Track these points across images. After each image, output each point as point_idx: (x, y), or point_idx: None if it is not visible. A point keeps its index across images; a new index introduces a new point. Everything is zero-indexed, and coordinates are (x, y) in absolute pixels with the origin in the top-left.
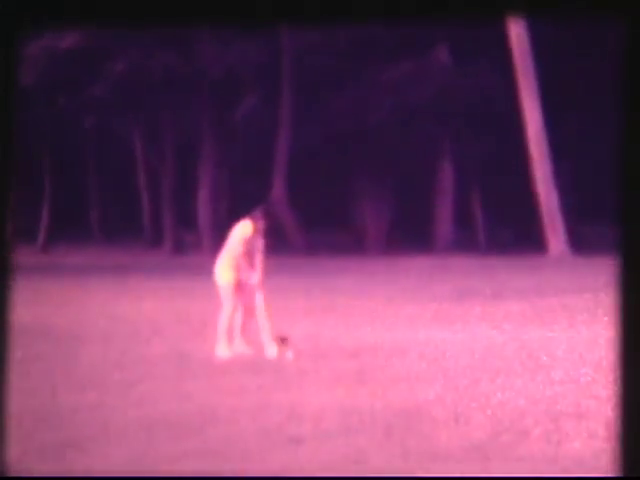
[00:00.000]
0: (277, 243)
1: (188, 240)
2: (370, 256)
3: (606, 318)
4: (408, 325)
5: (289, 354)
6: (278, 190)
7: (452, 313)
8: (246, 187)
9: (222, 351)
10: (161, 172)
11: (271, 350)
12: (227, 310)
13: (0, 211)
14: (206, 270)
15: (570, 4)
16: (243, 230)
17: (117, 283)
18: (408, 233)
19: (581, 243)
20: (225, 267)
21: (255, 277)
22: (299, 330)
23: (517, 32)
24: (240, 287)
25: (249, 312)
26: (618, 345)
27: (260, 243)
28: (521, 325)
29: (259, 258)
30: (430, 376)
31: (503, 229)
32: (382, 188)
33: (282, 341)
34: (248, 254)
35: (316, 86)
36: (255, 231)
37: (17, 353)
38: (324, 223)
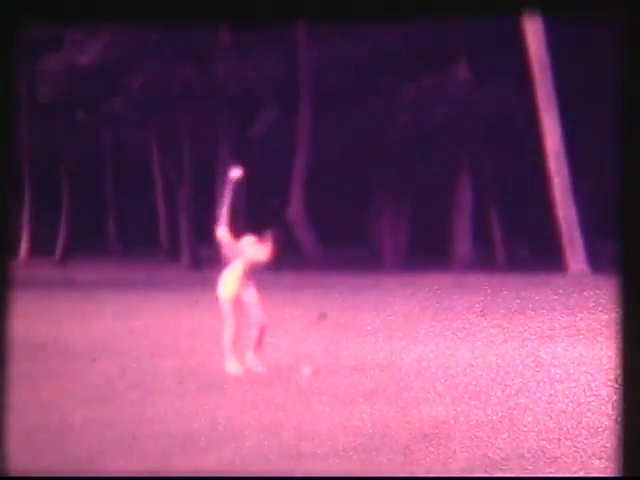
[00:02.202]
0: (294, 258)
1: (205, 255)
2: (387, 272)
3: None
4: (426, 342)
5: (306, 370)
6: (296, 206)
7: (471, 331)
8: (264, 202)
9: (232, 367)
10: (178, 186)
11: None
12: (229, 325)
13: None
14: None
15: (573, 4)
16: (252, 249)
17: (133, 298)
18: (426, 249)
19: (601, 261)
20: (226, 281)
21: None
22: (315, 346)
23: (536, 45)
24: (240, 301)
25: (262, 327)
26: (619, 346)
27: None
28: (541, 344)
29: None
30: (449, 395)
31: (521, 246)
32: (400, 204)
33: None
34: (251, 271)
35: (334, 101)
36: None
37: (31, 368)
38: (341, 239)
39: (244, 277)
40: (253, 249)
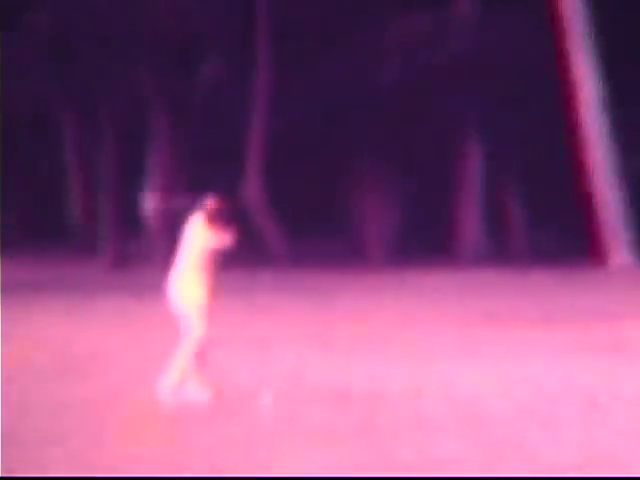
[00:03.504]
0: (254, 253)
1: (133, 250)
2: (372, 270)
3: None
4: (423, 358)
5: (266, 398)
6: (253, 185)
7: (482, 343)
8: (209, 181)
9: (169, 394)
10: (98, 161)
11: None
12: (195, 338)
13: None
14: (156, 288)
15: None
16: (203, 231)
17: (39, 305)
18: (423, 240)
19: None
20: (190, 283)
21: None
22: (280, 365)
23: None
24: (204, 307)
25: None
26: None
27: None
28: (574, 358)
29: None
30: (454, 425)
31: (547, 234)
32: (388, 180)
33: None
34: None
35: (301, 45)
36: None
37: None
38: (313, 228)
39: (202, 274)
40: (205, 237)
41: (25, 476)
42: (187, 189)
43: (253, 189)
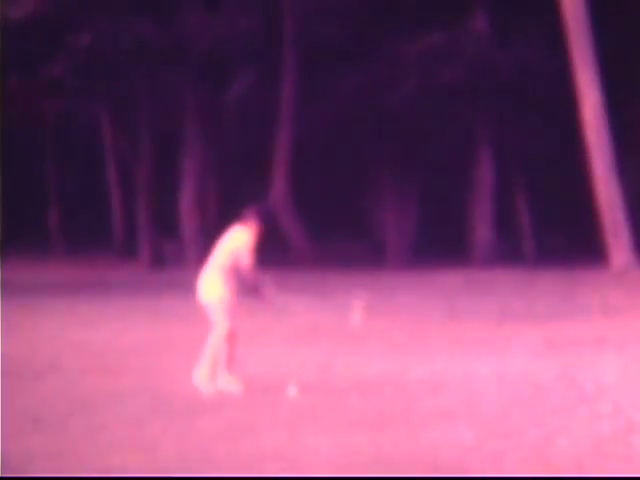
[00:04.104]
0: (278, 254)
1: (169, 251)
2: (391, 270)
3: None
4: (439, 353)
5: (292, 389)
6: (279, 189)
7: (494, 339)
8: (240, 186)
9: (206, 385)
10: (136, 167)
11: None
12: (221, 332)
13: None
14: (190, 287)
15: None
16: (242, 238)
17: (81, 304)
18: (438, 241)
19: None
20: (215, 280)
21: (269, 293)
22: (305, 359)
23: None
24: (234, 305)
25: (237, 340)
26: None
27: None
28: (582, 354)
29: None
30: (468, 416)
31: (554, 235)
32: (406, 186)
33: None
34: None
35: (325, 60)
36: (255, 237)
37: None
38: (335, 230)
39: (230, 275)
40: (245, 235)
41: (25, 476)
42: (218, 193)
43: (279, 193)
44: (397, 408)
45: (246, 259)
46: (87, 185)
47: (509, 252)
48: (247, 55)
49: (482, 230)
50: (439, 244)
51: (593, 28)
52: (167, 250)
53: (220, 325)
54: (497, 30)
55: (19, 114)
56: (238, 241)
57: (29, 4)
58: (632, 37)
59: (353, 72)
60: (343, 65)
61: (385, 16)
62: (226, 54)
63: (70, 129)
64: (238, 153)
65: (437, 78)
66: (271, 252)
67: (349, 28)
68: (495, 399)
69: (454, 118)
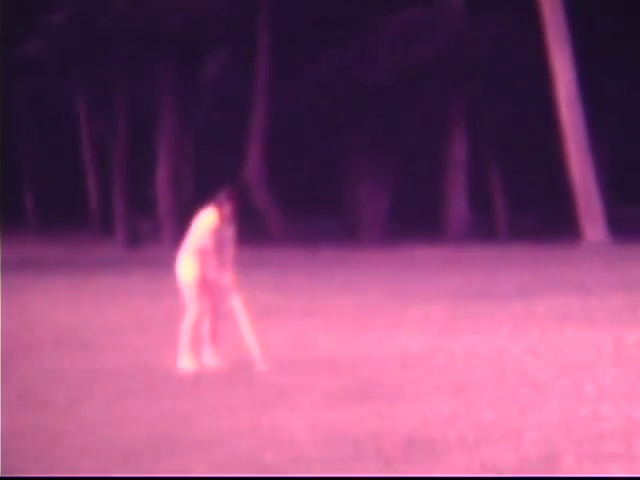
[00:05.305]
0: (253, 231)
1: (144, 229)
2: (366, 247)
3: None
4: (414, 330)
5: (264, 366)
6: (254, 167)
7: (467, 315)
8: (215, 164)
9: (186, 364)
10: (111, 145)
11: (262, 366)
12: (192, 313)
13: None
14: (167, 265)
15: None
16: (207, 220)
17: (59, 282)
18: (413, 218)
19: (622, 228)
20: (188, 261)
21: (227, 277)
22: (280, 336)
23: None
24: (207, 285)
25: (218, 316)
26: None
27: (230, 232)
28: (553, 329)
29: (230, 252)
30: (442, 392)
31: (528, 212)
32: (381, 163)
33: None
34: (217, 249)
35: (300, 38)
36: (222, 219)
37: None
38: (310, 207)
39: (214, 257)
40: (212, 217)
41: (25, 476)
42: (193, 171)
43: (254, 171)
44: (368, 384)
45: (205, 241)
46: (63, 165)
47: (483, 230)
48: (222, 34)
49: (456, 208)
50: (413, 222)
51: (568, 6)
52: (143, 228)
53: (191, 308)
54: (471, 7)
55: None
56: (203, 223)
57: None
58: (606, 16)
59: (328, 50)
60: (318, 43)
61: None
62: (201, 33)
63: (45, 109)
64: (213, 132)
65: (411, 55)
66: (246, 229)
67: (324, 5)
68: (471, 374)
69: (428, 96)
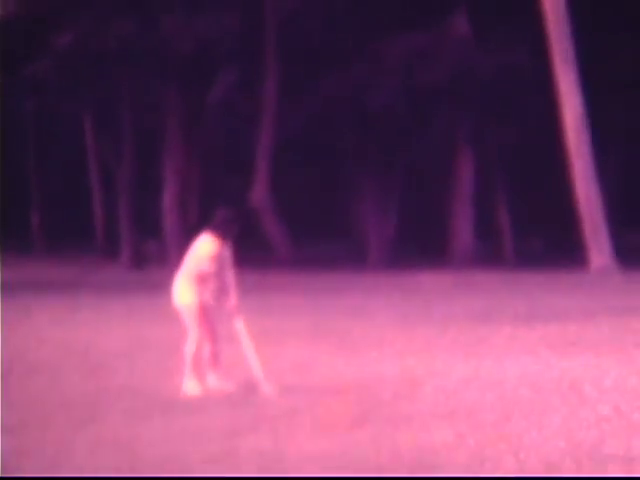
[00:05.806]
0: (260, 256)
1: (150, 250)
2: (373, 271)
3: None
4: (421, 352)
5: (269, 389)
6: (260, 191)
7: (474, 338)
8: (222, 186)
9: (191, 388)
10: (118, 167)
11: (267, 388)
12: (193, 337)
13: None
14: (171, 287)
15: None
16: (207, 247)
17: (62, 304)
18: (419, 242)
19: (629, 255)
20: (186, 286)
21: (231, 300)
22: (286, 359)
23: None
24: (205, 310)
25: (216, 340)
26: None
27: (227, 253)
28: (559, 352)
29: (230, 274)
30: (449, 413)
31: (534, 238)
32: (387, 188)
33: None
34: (217, 274)
35: (307, 62)
36: (221, 244)
37: None
38: (316, 230)
39: (215, 283)
40: (210, 246)
41: (25, 476)
42: (199, 192)
43: (260, 195)
44: (375, 409)
45: (205, 267)
46: (69, 185)
47: (489, 254)
48: (229, 55)
49: (462, 232)
50: (420, 245)
51: (574, 31)
52: (148, 249)
53: (191, 332)
54: (478, 32)
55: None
56: (203, 250)
57: (12, 3)
58: (612, 41)
59: (335, 73)
60: (325, 65)
61: (366, 17)
62: (209, 54)
63: (53, 129)
64: (220, 153)
65: (418, 80)
66: (251, 253)
67: (331, 28)
68: (473, 398)
69: (435, 120)
